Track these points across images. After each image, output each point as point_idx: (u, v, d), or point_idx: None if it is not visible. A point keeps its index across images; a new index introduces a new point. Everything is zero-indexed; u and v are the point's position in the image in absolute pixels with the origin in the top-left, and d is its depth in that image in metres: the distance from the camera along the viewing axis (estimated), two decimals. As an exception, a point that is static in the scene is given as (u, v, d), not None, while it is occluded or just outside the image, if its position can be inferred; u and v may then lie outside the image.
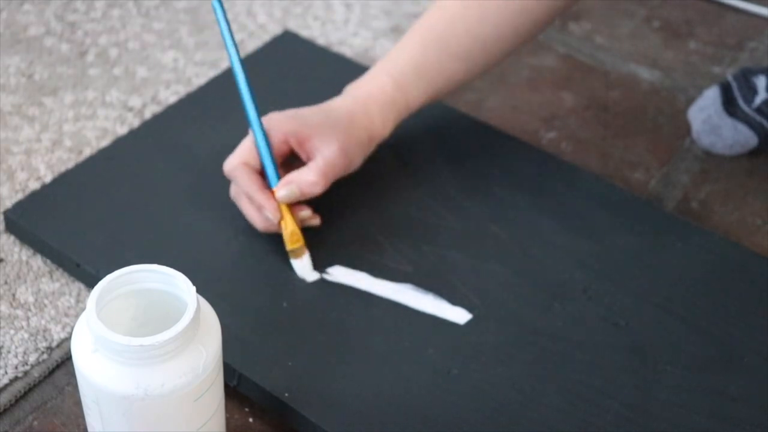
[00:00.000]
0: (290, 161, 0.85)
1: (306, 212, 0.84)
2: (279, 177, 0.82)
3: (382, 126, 0.86)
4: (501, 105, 1.04)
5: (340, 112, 0.85)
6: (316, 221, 0.85)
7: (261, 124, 0.82)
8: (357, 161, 0.85)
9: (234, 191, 0.85)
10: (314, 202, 0.85)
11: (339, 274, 0.83)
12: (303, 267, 0.82)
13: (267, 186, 0.82)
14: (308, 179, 0.81)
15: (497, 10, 0.86)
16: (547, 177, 0.92)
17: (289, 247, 0.82)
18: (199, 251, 0.84)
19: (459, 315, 0.80)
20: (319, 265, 0.83)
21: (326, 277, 0.82)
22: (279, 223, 0.82)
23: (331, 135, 0.82)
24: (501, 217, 0.88)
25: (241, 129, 0.90)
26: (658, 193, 0.95)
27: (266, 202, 0.81)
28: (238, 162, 0.83)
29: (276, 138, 0.83)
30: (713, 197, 0.95)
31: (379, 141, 0.87)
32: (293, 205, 0.83)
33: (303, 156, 0.84)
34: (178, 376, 0.61)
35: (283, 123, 0.83)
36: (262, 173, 0.83)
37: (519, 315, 0.80)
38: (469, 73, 0.89)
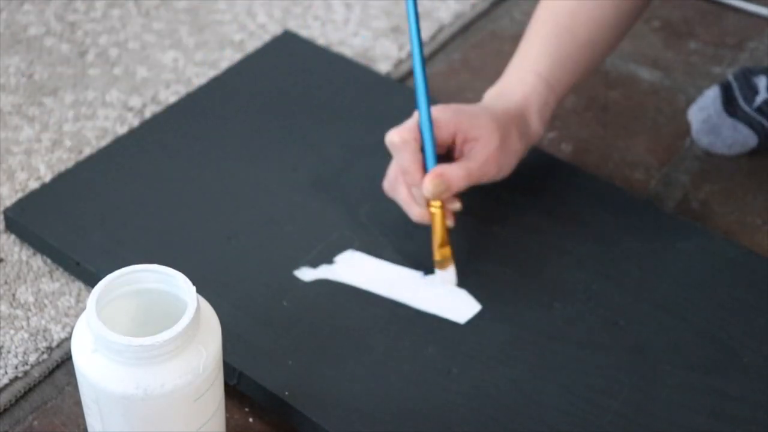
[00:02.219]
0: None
1: (457, 204, 0.83)
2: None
3: (538, 130, 0.86)
4: (501, 105, 1.04)
5: (505, 119, 0.84)
6: (458, 206, 0.83)
7: (430, 111, 0.81)
8: (506, 171, 0.84)
9: (392, 174, 0.83)
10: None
11: (352, 258, 0.82)
12: (447, 278, 0.82)
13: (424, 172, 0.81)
14: (459, 174, 0.80)
15: None
16: (547, 177, 0.92)
17: (437, 257, 0.81)
18: (198, 251, 0.84)
19: (465, 309, 0.80)
20: (321, 257, 0.83)
21: (339, 259, 0.83)
22: (428, 212, 0.81)
23: (494, 142, 0.82)
24: (501, 217, 0.88)
25: (241, 129, 0.90)
26: (658, 193, 0.95)
27: (425, 180, 0.80)
28: (409, 136, 0.81)
29: (445, 130, 0.82)
30: (713, 197, 0.95)
31: (535, 143, 0.88)
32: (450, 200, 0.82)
33: (456, 152, 0.83)
34: (178, 376, 0.61)
35: (454, 117, 0.82)
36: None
37: (519, 315, 0.80)
38: (596, 61, 0.91)
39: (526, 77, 0.87)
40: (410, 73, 1.08)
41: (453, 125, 0.82)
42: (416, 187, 0.81)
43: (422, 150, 0.81)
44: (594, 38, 0.88)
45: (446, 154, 0.83)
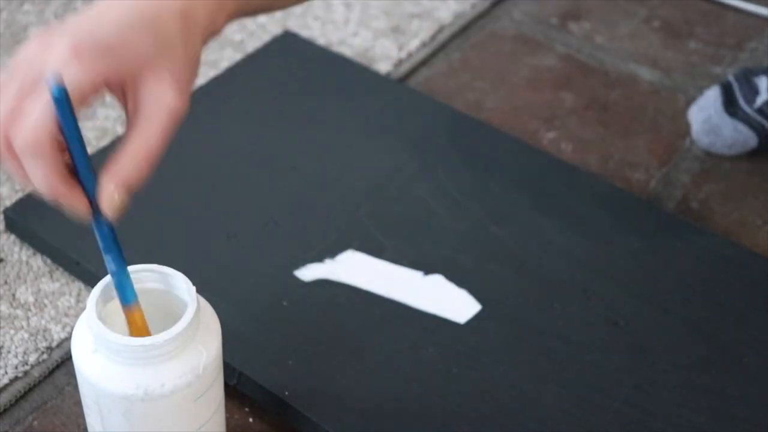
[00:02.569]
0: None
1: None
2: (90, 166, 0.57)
3: (217, 23, 0.60)
4: (501, 105, 1.04)
5: (168, 20, 0.55)
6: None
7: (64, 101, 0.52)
8: (189, 91, 0.57)
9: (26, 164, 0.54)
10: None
11: (352, 258, 0.83)
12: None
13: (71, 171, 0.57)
14: (138, 164, 0.57)
15: None
16: (547, 177, 0.92)
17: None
18: (198, 251, 0.84)
19: (465, 309, 0.80)
20: (322, 257, 0.83)
21: (339, 259, 0.83)
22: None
23: (163, 67, 0.55)
24: (501, 217, 0.88)
25: (241, 129, 0.90)
26: (658, 193, 0.95)
27: (79, 199, 0.58)
28: (45, 136, 0.53)
29: (92, 91, 0.53)
30: (713, 197, 0.95)
31: (211, 39, 0.60)
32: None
33: (122, 102, 0.56)
34: (178, 376, 0.61)
35: (95, 66, 0.53)
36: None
37: (519, 315, 0.80)
38: None
39: None
40: (410, 73, 1.08)
41: (95, 74, 0.53)
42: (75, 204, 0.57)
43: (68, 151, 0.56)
44: None
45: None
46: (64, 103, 0.51)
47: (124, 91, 0.55)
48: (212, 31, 0.59)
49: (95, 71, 0.53)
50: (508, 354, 0.77)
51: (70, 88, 0.52)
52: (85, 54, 0.53)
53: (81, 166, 0.56)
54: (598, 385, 0.76)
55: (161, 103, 0.55)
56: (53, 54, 0.53)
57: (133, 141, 0.55)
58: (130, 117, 0.55)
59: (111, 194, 0.57)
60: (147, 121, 0.55)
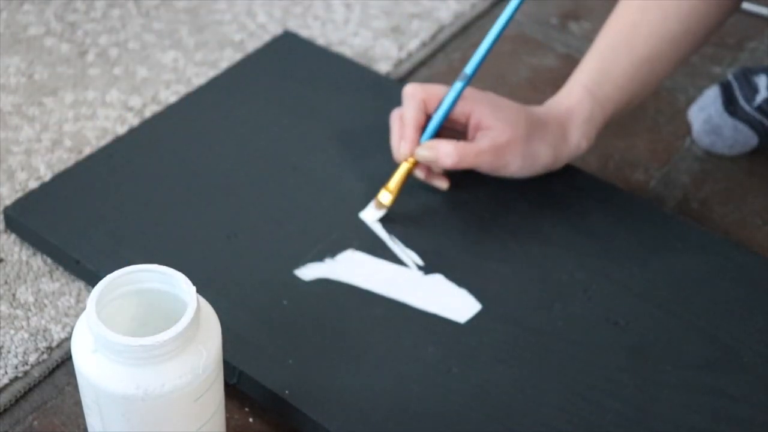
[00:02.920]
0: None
1: (444, 185, 0.89)
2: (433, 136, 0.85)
3: (577, 143, 0.86)
4: (501, 105, 1.04)
5: (535, 122, 0.85)
6: (444, 185, 0.89)
7: (461, 91, 0.84)
8: (515, 169, 0.86)
9: (395, 113, 0.87)
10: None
11: (352, 258, 0.83)
12: (370, 215, 0.86)
13: (421, 130, 0.86)
14: (448, 151, 0.83)
15: (678, 6, 0.85)
16: (547, 177, 0.92)
17: (379, 195, 0.86)
18: (199, 251, 0.84)
19: (465, 308, 0.80)
20: (322, 257, 0.83)
21: (339, 259, 0.83)
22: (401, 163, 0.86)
23: (504, 135, 0.84)
24: (501, 217, 0.88)
25: (241, 129, 0.90)
26: (658, 193, 0.95)
27: (409, 141, 0.84)
28: (422, 95, 0.85)
29: (460, 108, 0.85)
30: (713, 197, 0.95)
31: (572, 158, 0.88)
32: (437, 175, 0.88)
33: (469, 135, 0.86)
34: (178, 376, 0.61)
35: (475, 100, 0.84)
36: (427, 119, 0.86)
37: (519, 315, 0.80)
38: (656, 79, 0.88)
39: (573, 89, 0.87)
40: (410, 73, 1.08)
41: (469, 106, 0.84)
42: (404, 141, 0.85)
43: (429, 117, 0.86)
44: (654, 54, 0.86)
45: (462, 134, 0.86)
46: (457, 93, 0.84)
47: (476, 125, 0.85)
48: (572, 153, 0.88)
49: (472, 101, 0.85)
50: (508, 354, 0.77)
51: (465, 95, 0.85)
52: (484, 96, 0.86)
53: (430, 128, 0.85)
54: (598, 385, 0.76)
55: (494, 136, 0.84)
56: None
57: (468, 142, 0.85)
58: (471, 131, 0.86)
59: (425, 145, 0.85)
60: (479, 139, 0.84)
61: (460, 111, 0.85)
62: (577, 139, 0.86)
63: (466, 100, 0.85)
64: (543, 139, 0.85)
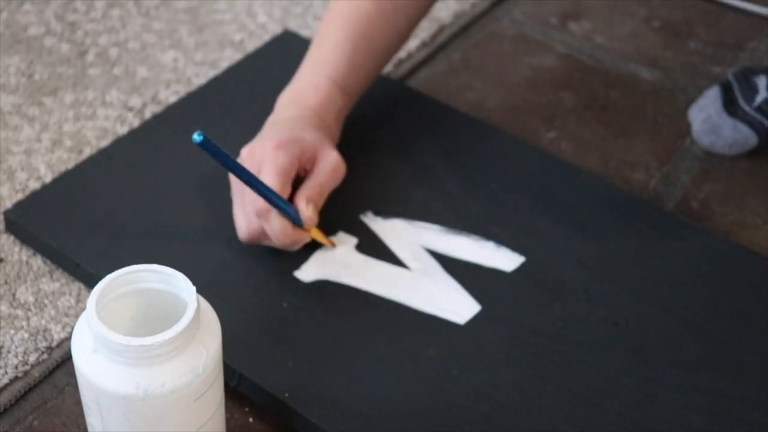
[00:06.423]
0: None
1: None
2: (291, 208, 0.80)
3: (337, 133, 0.88)
4: (501, 105, 1.04)
5: (312, 124, 0.84)
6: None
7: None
8: (343, 172, 0.84)
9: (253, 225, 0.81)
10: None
11: (352, 258, 0.83)
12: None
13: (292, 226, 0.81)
14: (315, 193, 0.81)
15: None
16: (547, 177, 0.92)
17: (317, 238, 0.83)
18: (199, 251, 0.84)
19: (465, 309, 0.80)
20: (322, 258, 0.83)
21: (339, 259, 0.83)
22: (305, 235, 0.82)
23: (327, 146, 0.83)
24: (501, 217, 0.88)
25: (241, 129, 0.90)
26: (658, 193, 0.95)
27: (302, 236, 0.81)
28: (264, 208, 0.79)
29: (293, 166, 0.80)
30: (713, 197, 0.95)
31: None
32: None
33: (306, 168, 0.83)
34: (178, 376, 0.61)
35: (290, 150, 0.80)
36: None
37: (519, 315, 0.80)
38: (383, 66, 0.92)
39: (321, 84, 0.86)
40: (410, 73, 1.08)
41: (295, 157, 0.81)
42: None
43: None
44: (388, 45, 0.90)
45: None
46: (208, 144, 0.74)
47: (307, 161, 0.82)
48: (336, 139, 0.87)
49: (293, 154, 0.80)
50: (508, 355, 0.77)
51: (281, 169, 0.79)
52: (285, 145, 0.80)
53: (276, 200, 0.78)
54: (598, 385, 0.76)
55: (329, 160, 0.82)
56: (264, 151, 0.80)
57: (314, 178, 0.82)
58: (310, 172, 0.83)
59: (304, 206, 0.81)
60: (321, 170, 0.82)
61: (294, 167, 0.81)
62: (335, 129, 0.87)
63: (292, 158, 0.80)
64: (331, 134, 0.86)
